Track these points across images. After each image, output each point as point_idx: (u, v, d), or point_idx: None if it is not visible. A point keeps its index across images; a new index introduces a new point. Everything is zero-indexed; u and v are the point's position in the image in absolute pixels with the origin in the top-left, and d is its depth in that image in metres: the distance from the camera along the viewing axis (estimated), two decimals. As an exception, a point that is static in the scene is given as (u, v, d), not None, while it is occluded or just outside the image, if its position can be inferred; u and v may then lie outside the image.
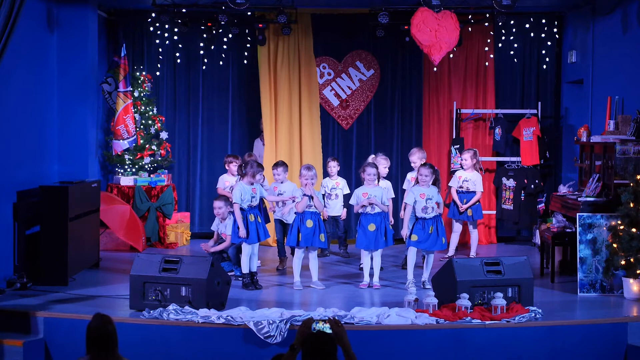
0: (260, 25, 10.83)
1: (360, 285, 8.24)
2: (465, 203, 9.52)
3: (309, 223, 8.04)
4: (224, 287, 7.17)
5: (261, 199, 8.47)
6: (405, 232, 8.33)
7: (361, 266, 8.55)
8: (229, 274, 7.86)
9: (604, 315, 7.03)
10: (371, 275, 8.25)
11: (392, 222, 8.57)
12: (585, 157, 9.32)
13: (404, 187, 9.49)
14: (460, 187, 9.60)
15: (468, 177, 9.58)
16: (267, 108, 10.91)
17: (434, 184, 8.25)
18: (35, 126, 9.07)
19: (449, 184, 9.87)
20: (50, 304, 7.14)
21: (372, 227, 8.15)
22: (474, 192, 9.54)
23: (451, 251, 9.67)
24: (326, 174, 9.96)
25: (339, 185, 9.69)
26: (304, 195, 8.05)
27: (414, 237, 8.11)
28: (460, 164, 9.85)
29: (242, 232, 7.98)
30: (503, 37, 11.33)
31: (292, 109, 11.03)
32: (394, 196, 9.12)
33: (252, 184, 8.17)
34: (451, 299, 6.88)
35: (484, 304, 6.88)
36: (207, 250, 8.70)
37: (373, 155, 9.42)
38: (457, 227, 9.77)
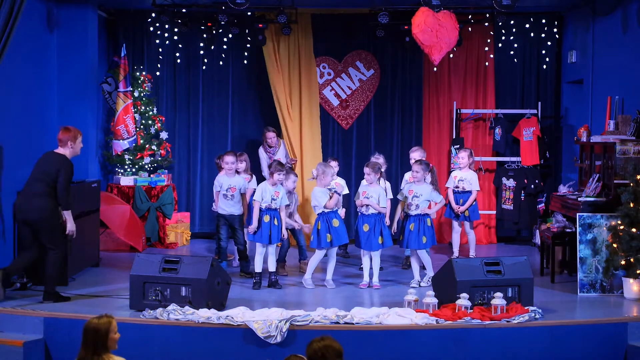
0: (260, 25, 10.82)
1: (360, 285, 8.24)
2: (462, 203, 9.46)
3: (336, 222, 8.21)
4: (224, 287, 7.17)
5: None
6: (393, 227, 8.55)
7: (361, 266, 8.55)
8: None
9: (604, 315, 7.03)
10: (371, 275, 8.26)
11: (388, 223, 8.57)
12: (585, 157, 9.32)
13: (402, 187, 9.50)
14: (456, 187, 9.55)
15: (463, 177, 9.54)
16: (279, 108, 10.92)
17: (432, 183, 8.34)
18: (36, 126, 9.07)
19: (446, 185, 9.87)
20: (50, 304, 7.14)
21: (365, 228, 8.22)
22: (470, 192, 9.50)
23: (455, 252, 9.59)
24: None
25: (339, 185, 9.68)
26: (335, 192, 8.28)
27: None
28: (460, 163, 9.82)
29: (252, 228, 8.07)
30: (503, 37, 11.32)
31: (292, 109, 11.03)
32: (392, 197, 9.10)
33: (275, 185, 8.21)
34: (451, 299, 6.88)
35: (484, 304, 6.88)
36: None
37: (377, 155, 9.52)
38: (457, 228, 9.73)
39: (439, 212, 9.27)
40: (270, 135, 10.43)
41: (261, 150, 10.58)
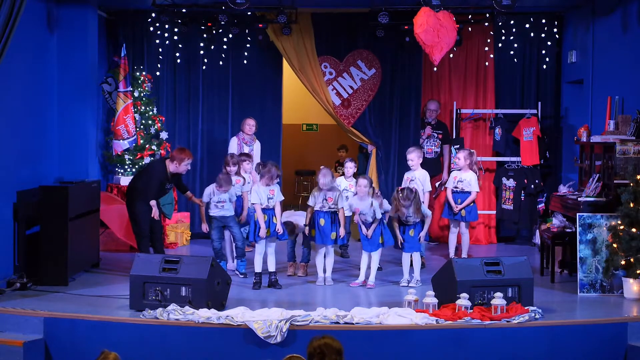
0: (260, 25, 10.82)
1: (352, 283, 8.29)
2: (460, 203, 9.43)
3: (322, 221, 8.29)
4: (224, 287, 7.18)
5: None
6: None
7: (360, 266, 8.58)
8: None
9: (604, 315, 7.03)
10: (368, 274, 8.29)
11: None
12: (585, 157, 9.32)
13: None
14: (455, 187, 9.51)
15: (462, 178, 9.47)
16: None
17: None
18: (36, 126, 9.07)
19: (446, 184, 9.86)
20: (50, 304, 7.14)
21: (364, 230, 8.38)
22: (469, 193, 9.46)
23: (451, 252, 9.56)
24: None
25: (352, 187, 9.45)
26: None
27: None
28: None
29: (263, 232, 8.07)
30: (503, 37, 11.31)
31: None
32: (388, 208, 8.95)
33: (268, 185, 8.21)
34: (451, 299, 6.88)
35: (484, 304, 6.89)
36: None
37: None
38: (454, 228, 9.62)
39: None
40: (251, 122, 10.14)
41: (234, 140, 10.23)
